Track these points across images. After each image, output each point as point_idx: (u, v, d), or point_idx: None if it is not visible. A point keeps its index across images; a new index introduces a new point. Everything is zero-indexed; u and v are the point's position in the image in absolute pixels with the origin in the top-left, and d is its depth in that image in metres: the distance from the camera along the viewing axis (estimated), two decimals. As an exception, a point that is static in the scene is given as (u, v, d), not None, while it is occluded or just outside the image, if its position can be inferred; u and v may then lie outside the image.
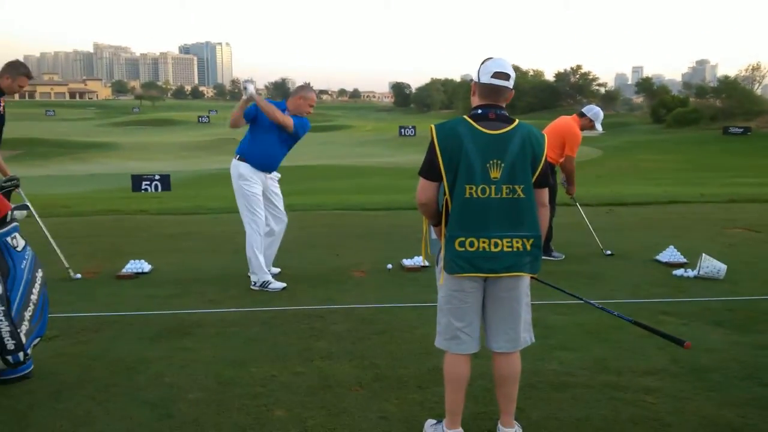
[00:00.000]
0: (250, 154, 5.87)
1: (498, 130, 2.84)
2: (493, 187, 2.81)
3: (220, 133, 57.57)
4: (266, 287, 5.79)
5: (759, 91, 69.23)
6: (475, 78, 2.95)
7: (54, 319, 4.39)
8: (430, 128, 2.90)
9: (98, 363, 4.07)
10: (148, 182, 17.65)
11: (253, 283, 5.85)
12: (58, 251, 6.26)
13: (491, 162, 2.81)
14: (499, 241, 2.83)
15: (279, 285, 5.82)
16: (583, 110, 7.32)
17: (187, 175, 28.20)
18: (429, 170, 2.89)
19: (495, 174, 2.81)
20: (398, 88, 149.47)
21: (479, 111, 2.90)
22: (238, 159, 5.90)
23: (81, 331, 4.68)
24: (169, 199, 14.57)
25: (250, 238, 5.84)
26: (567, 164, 7.12)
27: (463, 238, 2.83)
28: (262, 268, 5.83)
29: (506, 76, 2.89)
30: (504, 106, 2.94)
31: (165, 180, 17.70)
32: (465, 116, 2.91)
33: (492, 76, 2.87)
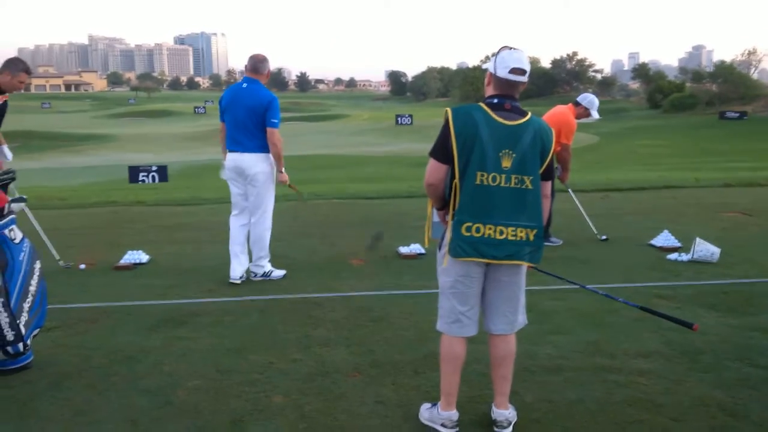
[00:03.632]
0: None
1: (512, 122, 2.90)
2: (503, 176, 2.87)
3: (216, 123, 57.28)
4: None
5: (755, 76, 69.15)
6: (491, 68, 2.97)
7: (53, 310, 4.43)
8: (446, 111, 2.95)
9: (97, 353, 4.11)
10: (145, 173, 17.63)
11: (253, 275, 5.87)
12: (48, 243, 6.30)
13: (503, 152, 2.86)
14: (504, 229, 2.89)
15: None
16: (578, 99, 7.36)
17: (184, 166, 28.16)
18: (441, 152, 2.93)
19: (506, 163, 2.87)
20: (394, 77, 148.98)
21: (495, 100, 2.94)
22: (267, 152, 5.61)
23: (79, 321, 4.72)
24: (166, 190, 14.57)
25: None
26: (563, 153, 7.17)
27: (470, 224, 2.88)
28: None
29: (523, 72, 2.93)
30: (518, 97, 2.98)
31: (162, 171, 17.68)
32: (481, 103, 2.95)
33: (510, 72, 2.91)
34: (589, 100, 7.24)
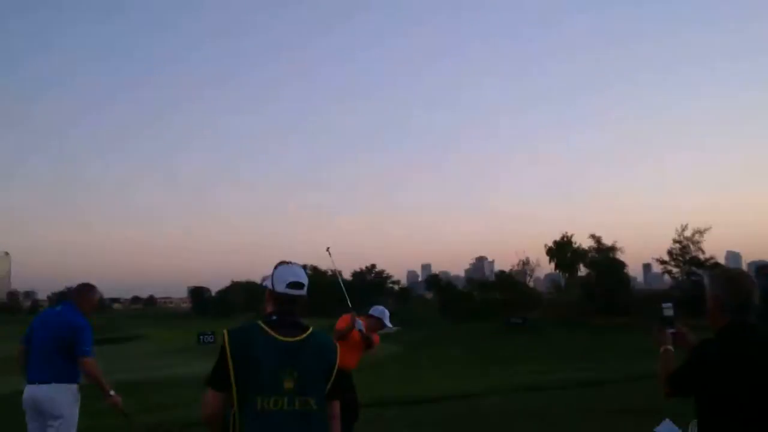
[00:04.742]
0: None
1: (292, 338, 2.77)
2: (285, 398, 2.67)
3: (-11, 351, 51.17)
4: None
5: (531, 284, 77.52)
6: (269, 284, 2.89)
7: None
8: (223, 333, 2.77)
9: None
10: None
11: None
12: None
13: (284, 371, 2.69)
14: None
15: None
16: (370, 312, 7.59)
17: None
18: (218, 379, 2.70)
19: (288, 384, 2.69)
20: (197, 293, 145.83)
21: (274, 317, 2.83)
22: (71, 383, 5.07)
23: None
24: None
25: None
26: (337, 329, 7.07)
27: None
28: None
29: (301, 286, 2.88)
30: (297, 313, 2.88)
31: None
32: (259, 322, 2.82)
33: (287, 286, 2.85)
34: (380, 310, 7.49)
